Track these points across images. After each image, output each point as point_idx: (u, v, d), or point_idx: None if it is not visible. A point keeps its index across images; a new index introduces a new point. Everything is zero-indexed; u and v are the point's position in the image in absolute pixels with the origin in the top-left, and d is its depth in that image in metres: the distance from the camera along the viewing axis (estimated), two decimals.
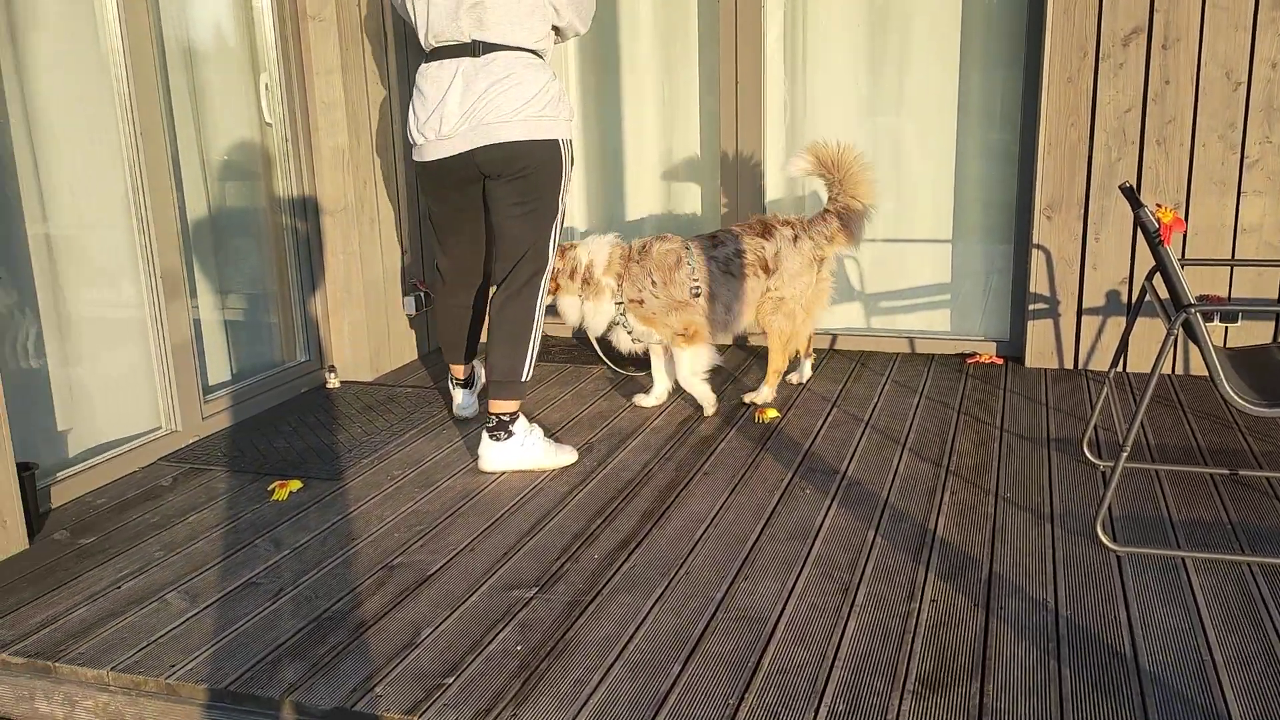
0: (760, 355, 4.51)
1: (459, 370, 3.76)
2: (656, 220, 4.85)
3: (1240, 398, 2.50)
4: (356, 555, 2.74)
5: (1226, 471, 3.08)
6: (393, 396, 4.07)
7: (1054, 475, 3.11)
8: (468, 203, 3.40)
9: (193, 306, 3.66)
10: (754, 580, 2.53)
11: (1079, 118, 3.93)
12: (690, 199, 4.77)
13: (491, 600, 2.48)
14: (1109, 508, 2.85)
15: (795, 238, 3.72)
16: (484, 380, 3.59)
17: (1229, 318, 3.94)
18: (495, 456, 3.26)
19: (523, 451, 3.26)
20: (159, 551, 2.80)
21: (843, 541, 2.72)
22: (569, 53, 4.81)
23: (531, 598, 2.48)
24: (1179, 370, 4.06)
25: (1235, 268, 3.89)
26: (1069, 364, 4.16)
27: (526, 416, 3.31)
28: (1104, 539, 2.63)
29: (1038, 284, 4.11)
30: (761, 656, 2.21)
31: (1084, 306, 4.08)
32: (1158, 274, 3.28)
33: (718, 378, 4.18)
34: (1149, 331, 4.03)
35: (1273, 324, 3.92)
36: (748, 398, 3.87)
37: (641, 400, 3.89)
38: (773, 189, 4.61)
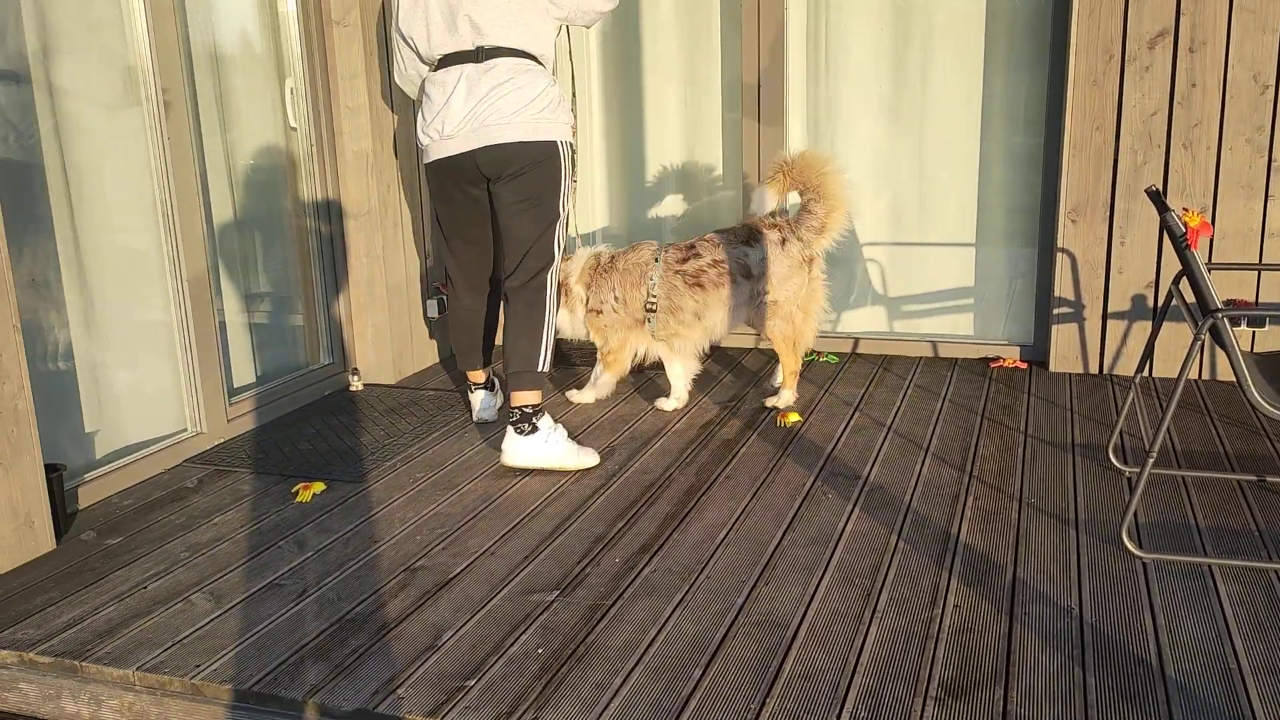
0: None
1: (476, 376, 3.77)
2: (677, 223, 4.85)
3: (1268, 403, 2.48)
4: (379, 557, 2.75)
5: (1254, 478, 3.05)
6: (415, 399, 4.09)
7: (1079, 481, 3.08)
8: (472, 206, 3.46)
9: (218, 310, 3.69)
10: (775, 585, 2.53)
11: (1104, 121, 3.90)
12: (711, 202, 4.76)
13: (512, 604, 2.48)
14: (1134, 514, 2.83)
15: (783, 241, 3.73)
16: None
17: (1256, 322, 3.88)
18: (519, 450, 3.27)
19: (546, 448, 3.27)
20: (184, 552, 2.83)
21: (865, 547, 2.71)
22: (591, 59, 4.82)
23: (552, 601, 2.49)
24: (1205, 375, 4.03)
25: (1263, 272, 3.85)
26: (1094, 369, 4.13)
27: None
28: (1129, 545, 2.61)
29: (1062, 288, 4.08)
30: (783, 662, 2.20)
31: (1109, 311, 4.05)
32: (1184, 278, 3.26)
33: (740, 380, 4.18)
34: (1175, 336, 4.00)
35: None
36: (769, 401, 3.86)
37: (663, 404, 3.89)
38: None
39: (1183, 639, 2.24)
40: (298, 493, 3.17)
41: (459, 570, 2.66)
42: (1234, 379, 3.94)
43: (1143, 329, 4.03)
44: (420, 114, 3.42)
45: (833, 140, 4.51)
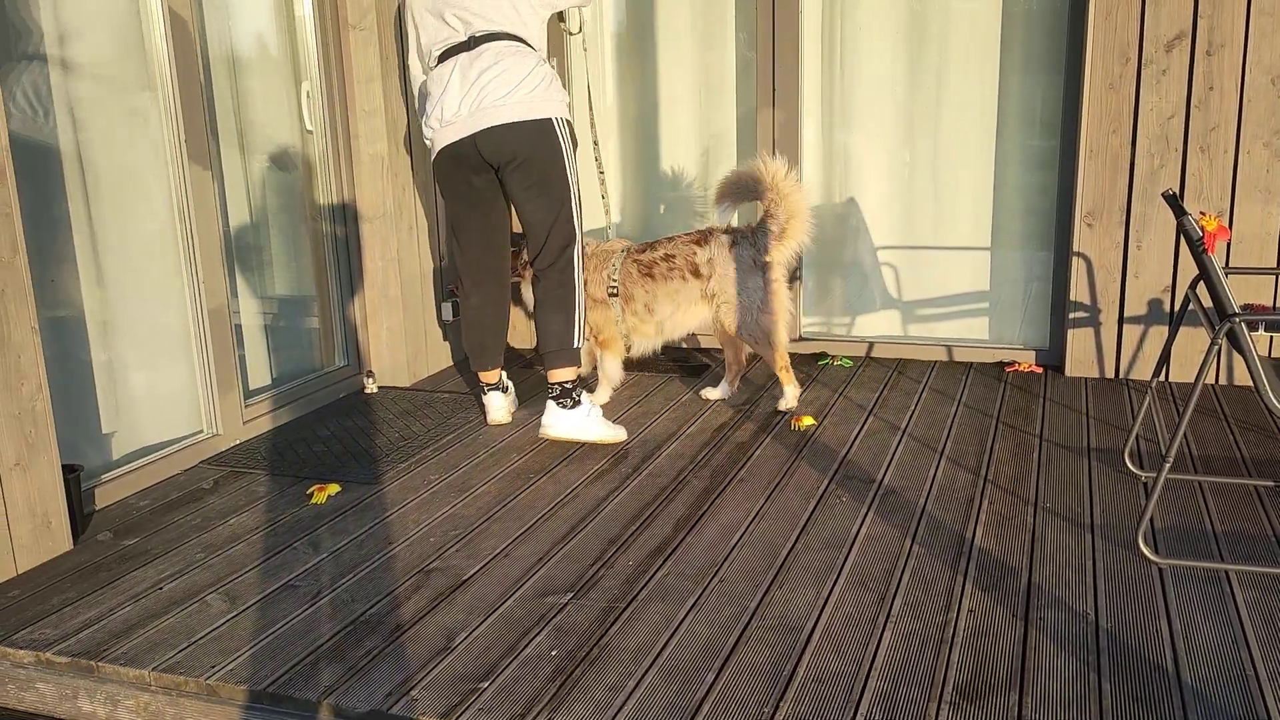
0: (793, 363, 4.49)
1: (490, 376, 3.79)
2: (693, 223, 4.84)
3: None
4: (393, 559, 2.76)
5: (1271, 483, 3.03)
6: (429, 402, 4.10)
7: (1094, 485, 3.07)
8: (478, 197, 3.50)
9: (234, 312, 3.71)
10: (789, 589, 2.52)
11: (1121, 124, 3.89)
12: None
13: (526, 606, 2.49)
14: (1151, 519, 2.81)
15: (733, 243, 3.79)
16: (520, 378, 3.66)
17: (1274, 327, 3.87)
18: (562, 423, 3.45)
19: (586, 422, 3.46)
20: (200, 553, 2.84)
21: (879, 550, 2.71)
22: (606, 60, 4.83)
23: (566, 603, 2.49)
24: (1223, 380, 4.00)
25: None
26: (1110, 373, 4.11)
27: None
28: (1146, 550, 2.60)
29: (1078, 292, 4.07)
30: (796, 666, 2.20)
31: (1125, 315, 4.03)
32: (1201, 282, 3.24)
33: (753, 384, 4.18)
34: (1192, 341, 3.98)
35: None
36: (782, 405, 3.86)
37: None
38: (809, 196, 4.59)
39: (1199, 645, 2.22)
40: (313, 494, 3.18)
41: (473, 572, 2.67)
42: (1251, 384, 3.92)
43: (1159, 333, 4.01)
44: (423, 113, 3.51)
45: (847, 143, 4.51)
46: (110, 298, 3.26)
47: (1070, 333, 4.12)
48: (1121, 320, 4.04)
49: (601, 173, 3.96)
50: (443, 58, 3.43)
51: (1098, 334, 4.09)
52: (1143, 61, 3.82)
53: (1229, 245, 3.86)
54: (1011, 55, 4.23)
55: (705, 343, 4.80)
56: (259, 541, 2.90)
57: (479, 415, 3.90)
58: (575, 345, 3.49)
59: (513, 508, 3.06)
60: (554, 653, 2.28)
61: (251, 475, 3.39)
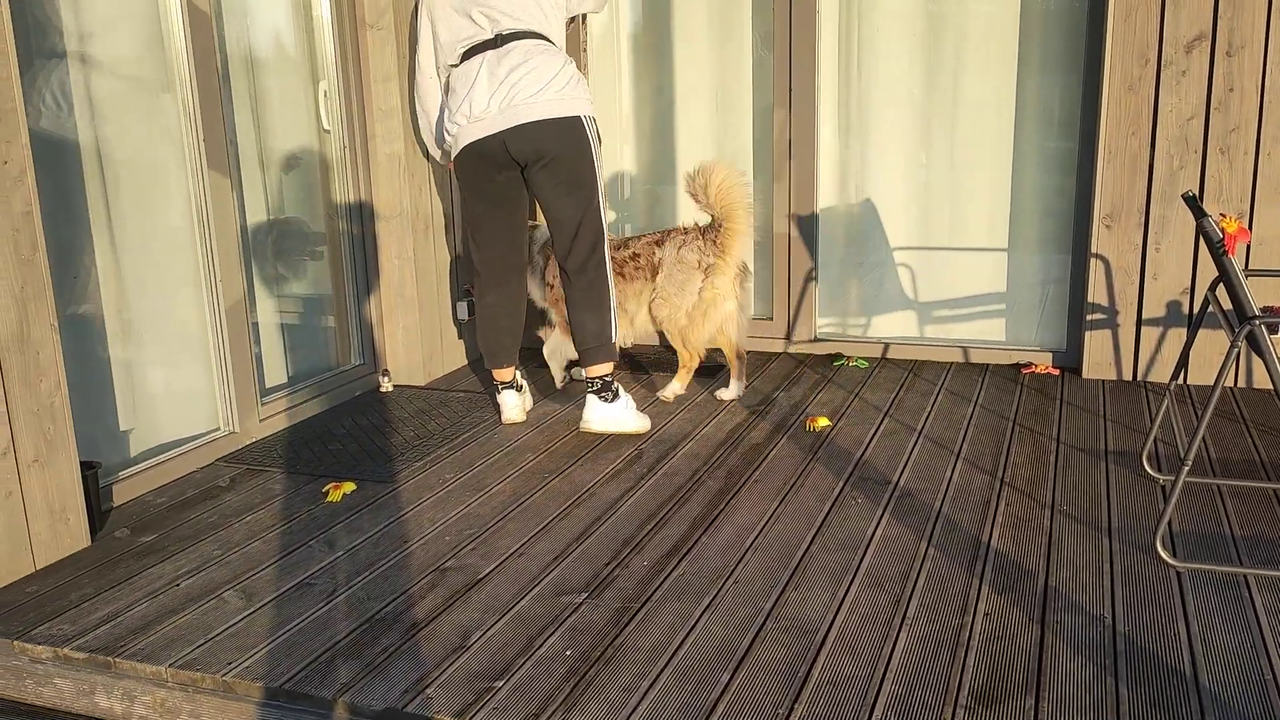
0: (808, 364, 4.49)
1: (504, 374, 3.80)
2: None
3: None
4: (408, 557, 2.77)
5: None
6: (445, 401, 4.10)
7: (1112, 488, 3.05)
8: (502, 194, 3.51)
9: (251, 310, 3.73)
10: (804, 590, 2.52)
11: (1140, 126, 3.87)
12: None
13: (541, 605, 2.49)
14: (1169, 522, 2.80)
15: (681, 244, 3.85)
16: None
17: None
18: (604, 416, 3.52)
19: (624, 413, 3.54)
20: (216, 550, 2.85)
21: (895, 552, 2.70)
22: (622, 60, 4.82)
23: (581, 603, 2.49)
24: (1241, 383, 3.98)
25: None
26: (1127, 375, 4.09)
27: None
28: (1163, 554, 2.58)
29: (1096, 294, 4.05)
30: (811, 667, 2.19)
31: (1144, 317, 4.01)
32: (1220, 285, 3.21)
33: (768, 384, 4.17)
34: (1211, 343, 3.95)
35: None
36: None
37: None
38: (825, 196, 4.59)
39: (1217, 649, 2.21)
40: (328, 492, 3.19)
41: (488, 571, 2.67)
42: (1271, 387, 3.89)
43: (1177, 336, 3.99)
44: (446, 111, 3.53)
45: (864, 143, 4.50)
46: (128, 295, 3.28)
47: (1088, 334, 4.10)
48: (1140, 322, 4.02)
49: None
50: (468, 54, 3.45)
51: (1115, 336, 4.06)
52: (1162, 62, 3.79)
53: (1249, 247, 3.83)
54: (1030, 56, 4.21)
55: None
56: (275, 539, 2.91)
57: (494, 414, 3.90)
58: (612, 340, 3.56)
59: (528, 507, 3.07)
60: (569, 652, 2.28)
61: (268, 473, 3.40)
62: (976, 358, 4.43)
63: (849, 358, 4.53)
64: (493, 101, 3.36)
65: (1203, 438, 3.42)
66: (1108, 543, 2.71)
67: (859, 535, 2.80)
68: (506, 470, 3.36)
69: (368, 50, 4.05)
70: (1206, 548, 2.66)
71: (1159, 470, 3.17)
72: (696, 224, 3.91)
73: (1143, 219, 3.93)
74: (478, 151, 3.43)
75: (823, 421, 3.69)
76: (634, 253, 3.93)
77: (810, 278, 4.60)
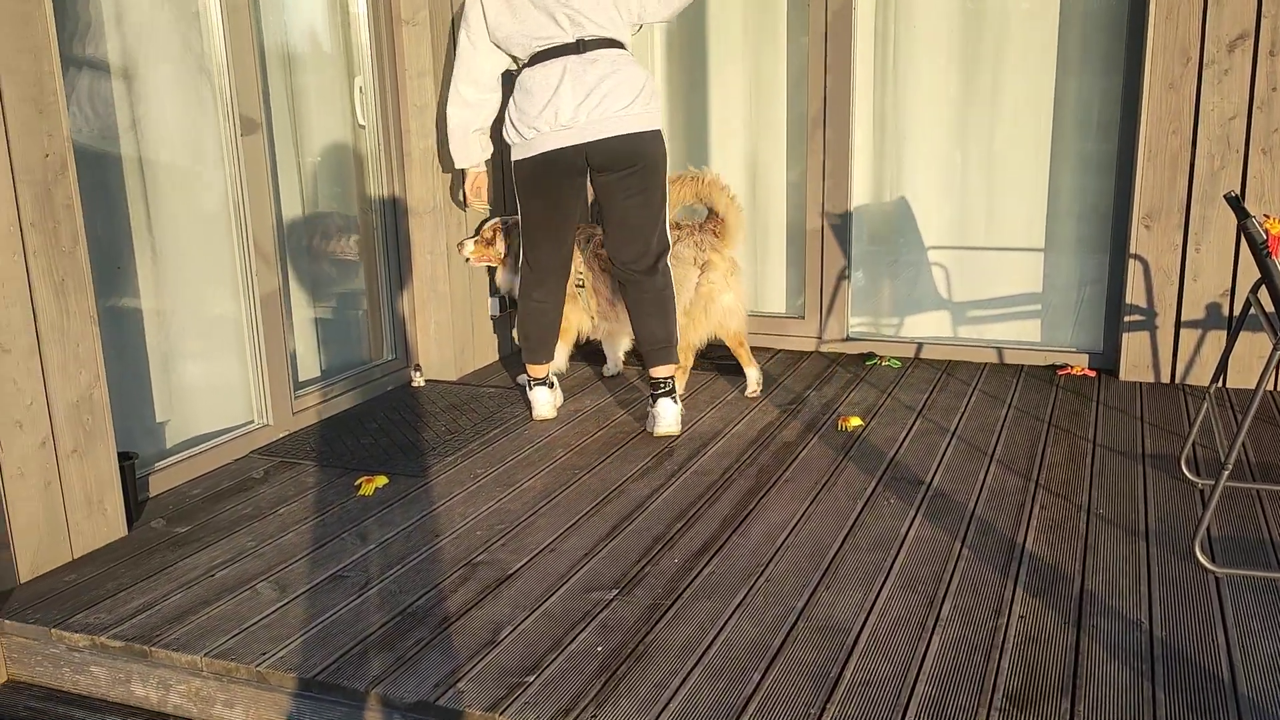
0: (840, 363, 4.46)
1: (539, 370, 3.80)
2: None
3: None
4: (440, 552, 2.78)
5: None
6: (476, 396, 4.12)
7: (1149, 492, 3.02)
8: (566, 199, 3.49)
9: (285, 304, 3.75)
10: (836, 590, 2.50)
11: (1181, 125, 3.81)
12: (775, 204, 4.74)
13: (572, 601, 2.49)
14: (1207, 527, 2.76)
15: (675, 240, 3.83)
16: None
17: None
18: (675, 416, 3.58)
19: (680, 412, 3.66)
20: (250, 542, 2.87)
21: (927, 553, 2.68)
22: (655, 58, 4.82)
23: (611, 600, 2.49)
24: None
25: None
26: (1165, 378, 4.04)
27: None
28: (1202, 559, 2.55)
29: (1134, 295, 4.00)
30: (843, 668, 2.18)
31: (1183, 319, 3.95)
32: (1263, 286, 3.17)
33: (799, 383, 4.15)
34: (1251, 346, 3.90)
35: None
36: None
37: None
38: (859, 195, 4.56)
39: (1256, 656, 2.17)
40: (360, 486, 3.21)
41: (518, 566, 2.68)
42: None
43: (1217, 338, 3.93)
44: (514, 111, 3.45)
45: (899, 141, 4.47)
46: (166, 289, 3.31)
47: (1125, 336, 4.05)
48: (1179, 324, 3.97)
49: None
50: (542, 56, 3.38)
51: (1154, 338, 4.01)
52: (1204, 61, 3.74)
53: None
54: (1069, 53, 4.16)
55: (749, 341, 4.77)
56: (308, 531, 2.93)
57: (524, 410, 3.91)
58: (676, 341, 3.61)
59: (558, 503, 3.07)
60: (599, 649, 2.28)
61: (301, 466, 3.43)
62: (1011, 359, 4.39)
63: (881, 357, 4.50)
64: (580, 111, 3.31)
65: (1242, 442, 3.36)
66: (1145, 547, 2.68)
67: (891, 535, 2.78)
68: (537, 466, 3.37)
69: (403, 46, 4.07)
70: (1245, 553, 2.62)
71: (1197, 474, 3.12)
72: (694, 221, 3.92)
73: (1183, 219, 3.88)
74: (552, 159, 3.39)
75: (855, 421, 3.67)
76: None
77: (843, 276, 4.57)
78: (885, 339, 4.60)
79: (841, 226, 4.53)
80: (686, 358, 3.93)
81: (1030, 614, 2.37)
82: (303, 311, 3.92)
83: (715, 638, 2.31)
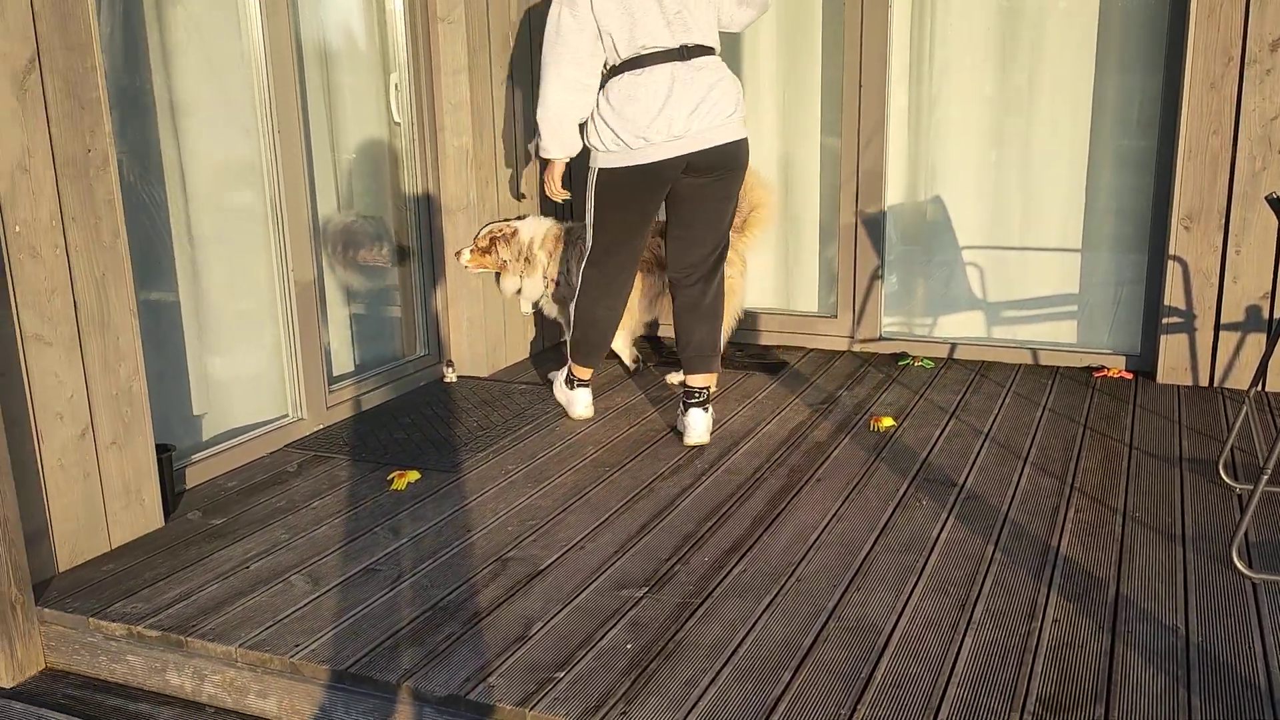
0: (872, 363, 4.44)
1: (587, 373, 3.77)
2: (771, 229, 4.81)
3: None
4: (471, 547, 2.79)
5: None
6: (507, 392, 4.13)
7: (1186, 496, 2.98)
8: (653, 207, 3.40)
9: (320, 299, 3.78)
10: (867, 591, 2.49)
11: (1222, 125, 3.76)
12: (809, 204, 4.72)
13: (602, 598, 2.50)
14: (1245, 532, 2.72)
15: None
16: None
17: None
18: (706, 426, 3.52)
19: None
20: (284, 534, 2.90)
21: (960, 555, 2.66)
22: None
23: (642, 597, 2.49)
24: None
25: None
26: (1204, 381, 3.99)
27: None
28: (1239, 564, 2.52)
29: (1172, 296, 3.95)
30: (874, 669, 2.17)
31: (1222, 321, 3.90)
32: None
33: (831, 383, 4.14)
34: None
35: None
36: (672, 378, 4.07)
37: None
38: (893, 193, 4.54)
39: None
40: (393, 480, 3.23)
41: (549, 562, 2.69)
42: None
43: (1257, 341, 3.88)
44: (616, 118, 3.24)
45: (935, 140, 4.44)
46: (203, 282, 3.35)
47: (1163, 338, 4.00)
48: (1218, 326, 3.92)
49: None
50: (644, 62, 3.21)
51: (1192, 340, 3.97)
52: (1246, 61, 3.69)
53: None
54: (1108, 52, 4.12)
55: (781, 340, 4.76)
56: (341, 525, 2.95)
57: (556, 407, 3.92)
58: (720, 350, 3.60)
59: (589, 500, 3.08)
60: (629, 646, 2.28)
61: (334, 460, 3.46)
62: (1046, 360, 4.35)
63: (914, 357, 4.48)
64: (692, 121, 3.22)
65: None
66: (1181, 551, 2.65)
67: (923, 537, 2.77)
68: (568, 462, 3.37)
69: (439, 43, 4.09)
70: None
71: (1236, 479, 3.08)
72: None
73: (1223, 220, 3.83)
74: (658, 169, 3.26)
75: (887, 421, 3.65)
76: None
77: (876, 275, 4.55)
78: (918, 339, 4.57)
79: (875, 225, 4.51)
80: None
81: (1064, 618, 2.35)
82: (336, 306, 3.95)
83: (745, 637, 2.30)
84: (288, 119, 3.48)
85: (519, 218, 4.15)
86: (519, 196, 4.47)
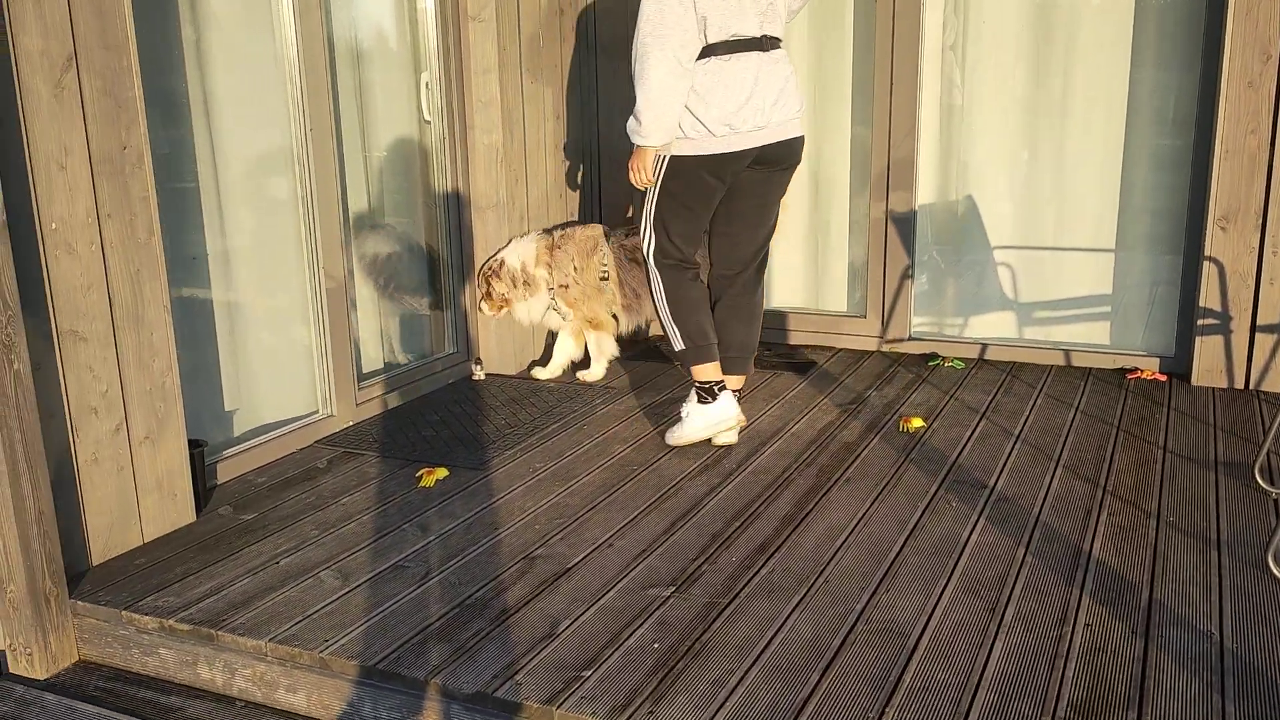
0: (902, 363, 4.41)
1: (713, 370, 3.43)
2: (800, 228, 4.79)
3: None
4: (499, 544, 2.80)
5: None
6: (535, 390, 4.14)
7: (1221, 500, 2.94)
8: (720, 196, 3.36)
9: (351, 296, 3.80)
10: (896, 593, 2.48)
11: (1259, 124, 3.71)
12: (838, 201, 4.70)
13: (629, 597, 2.49)
14: None
15: None
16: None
17: None
18: (735, 429, 3.49)
19: None
20: (314, 530, 2.92)
21: (990, 558, 2.64)
22: None
23: (669, 597, 2.49)
24: None
25: None
26: (1239, 384, 3.93)
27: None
28: (1275, 569, 2.48)
29: (1208, 298, 3.90)
30: (903, 672, 2.16)
31: (1258, 323, 3.85)
32: None
33: (860, 383, 4.11)
34: None
35: None
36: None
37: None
38: (924, 193, 4.51)
39: None
40: (421, 477, 3.25)
41: (576, 561, 2.69)
42: None
43: None
44: (701, 105, 3.15)
45: (966, 138, 4.40)
46: (235, 280, 3.37)
47: (1198, 340, 3.95)
48: (1254, 328, 3.86)
49: None
50: (731, 48, 3.15)
51: (1228, 342, 3.91)
52: None
53: None
54: (1143, 49, 4.07)
55: (809, 340, 4.74)
56: (370, 521, 2.97)
57: (583, 405, 3.92)
58: (755, 352, 3.58)
59: (616, 498, 3.07)
60: (656, 645, 2.28)
61: (363, 456, 3.47)
62: (1078, 361, 4.31)
63: (945, 358, 4.44)
64: (773, 112, 3.23)
65: None
66: (1216, 556, 2.61)
67: (953, 539, 2.75)
68: (596, 461, 3.37)
69: (469, 42, 4.10)
70: None
71: (1272, 483, 3.04)
72: None
73: (1260, 221, 3.77)
74: (736, 158, 3.22)
75: (917, 422, 3.63)
76: (636, 243, 4.03)
77: (906, 275, 4.52)
78: (949, 339, 4.54)
79: (905, 225, 4.48)
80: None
81: (1096, 622, 2.32)
82: (367, 304, 3.97)
83: (773, 637, 2.30)
84: (320, 117, 3.50)
85: (523, 235, 4.22)
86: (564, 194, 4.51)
